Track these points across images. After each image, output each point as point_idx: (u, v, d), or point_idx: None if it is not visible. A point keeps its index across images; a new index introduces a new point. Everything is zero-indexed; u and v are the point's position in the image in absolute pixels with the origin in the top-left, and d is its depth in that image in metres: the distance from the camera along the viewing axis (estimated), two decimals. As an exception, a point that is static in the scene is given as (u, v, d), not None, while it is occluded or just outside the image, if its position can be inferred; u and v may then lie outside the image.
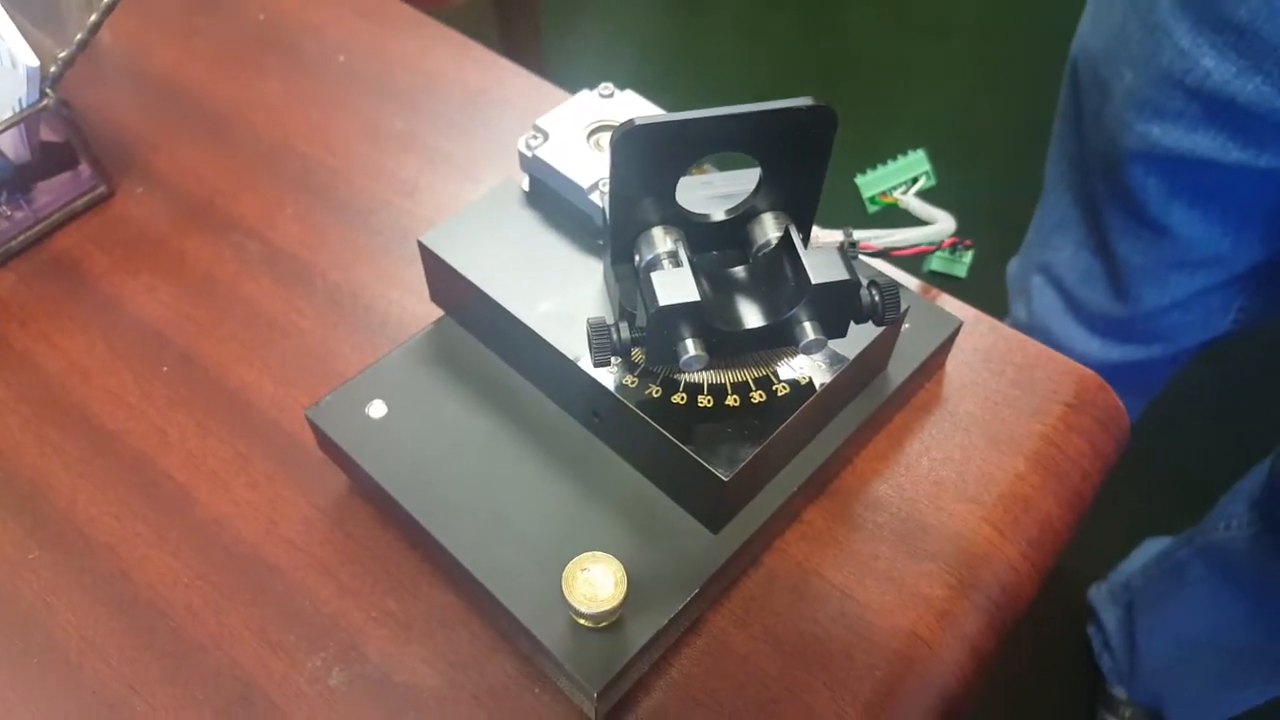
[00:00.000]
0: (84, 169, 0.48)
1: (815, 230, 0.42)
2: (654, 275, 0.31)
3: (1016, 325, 0.93)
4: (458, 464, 0.37)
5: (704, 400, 0.34)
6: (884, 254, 0.43)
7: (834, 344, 0.36)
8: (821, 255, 0.32)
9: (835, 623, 0.37)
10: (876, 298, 0.33)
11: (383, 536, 0.39)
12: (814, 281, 0.31)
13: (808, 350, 0.32)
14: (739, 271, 0.34)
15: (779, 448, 0.35)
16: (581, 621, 0.33)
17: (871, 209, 0.48)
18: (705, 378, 0.35)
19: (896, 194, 0.47)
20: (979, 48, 1.70)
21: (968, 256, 0.49)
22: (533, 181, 0.40)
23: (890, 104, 1.61)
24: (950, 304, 0.46)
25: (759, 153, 0.32)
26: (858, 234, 0.43)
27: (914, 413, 0.43)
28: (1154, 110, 0.62)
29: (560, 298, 0.37)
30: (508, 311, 0.36)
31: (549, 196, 0.40)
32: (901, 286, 0.43)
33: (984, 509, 0.40)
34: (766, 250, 0.34)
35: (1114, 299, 0.80)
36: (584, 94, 0.40)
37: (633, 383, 0.34)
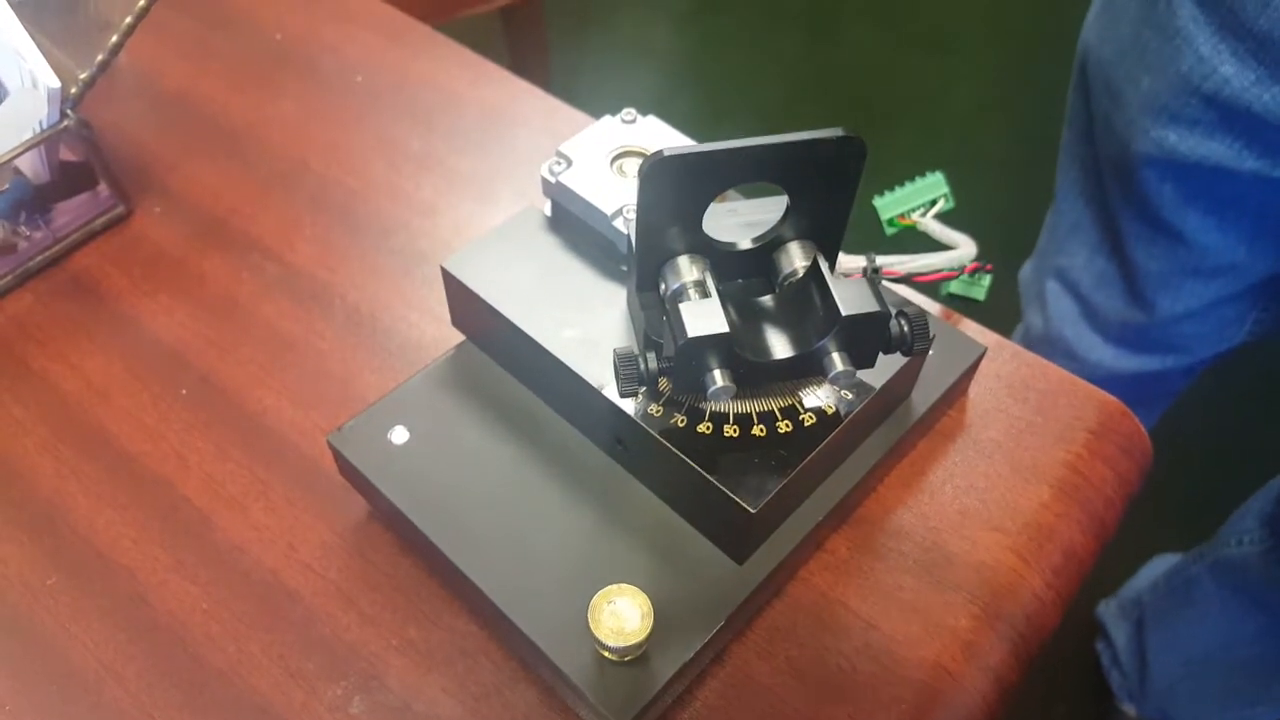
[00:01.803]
0: (102, 189, 0.48)
1: (839, 255, 0.42)
2: (682, 306, 0.31)
3: (1031, 333, 0.93)
4: (480, 491, 0.37)
5: (730, 430, 0.34)
6: (906, 279, 0.43)
7: (861, 375, 0.35)
8: (851, 286, 0.32)
9: (860, 654, 0.37)
10: (905, 328, 0.33)
11: (403, 563, 0.39)
12: (844, 313, 0.31)
13: (836, 381, 0.32)
14: (767, 301, 0.33)
15: (805, 478, 0.34)
16: (606, 655, 0.32)
17: (889, 231, 0.47)
18: (731, 407, 0.34)
19: (915, 216, 0.47)
20: (987, 61, 1.70)
21: (987, 280, 0.49)
22: (555, 207, 0.40)
23: (897, 120, 1.61)
24: (970, 329, 0.46)
25: (787, 182, 0.32)
26: (881, 259, 0.42)
27: (937, 440, 0.42)
28: (1170, 116, 0.62)
29: (584, 324, 0.37)
30: (531, 338, 0.36)
31: (572, 222, 0.39)
32: (928, 314, 0.43)
33: (1009, 538, 0.40)
34: (793, 279, 0.34)
35: (1130, 304, 0.79)
36: (606, 119, 0.40)
37: (658, 411, 0.34)
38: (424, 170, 0.52)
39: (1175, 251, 0.72)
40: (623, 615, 0.32)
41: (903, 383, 0.38)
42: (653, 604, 0.33)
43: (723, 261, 0.34)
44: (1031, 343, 0.93)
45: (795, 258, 0.34)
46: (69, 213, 0.47)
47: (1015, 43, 1.72)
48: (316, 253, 0.49)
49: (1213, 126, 0.61)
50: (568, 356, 0.36)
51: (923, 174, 0.48)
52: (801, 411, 0.34)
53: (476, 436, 0.38)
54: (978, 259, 0.46)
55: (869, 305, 0.31)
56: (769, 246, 0.34)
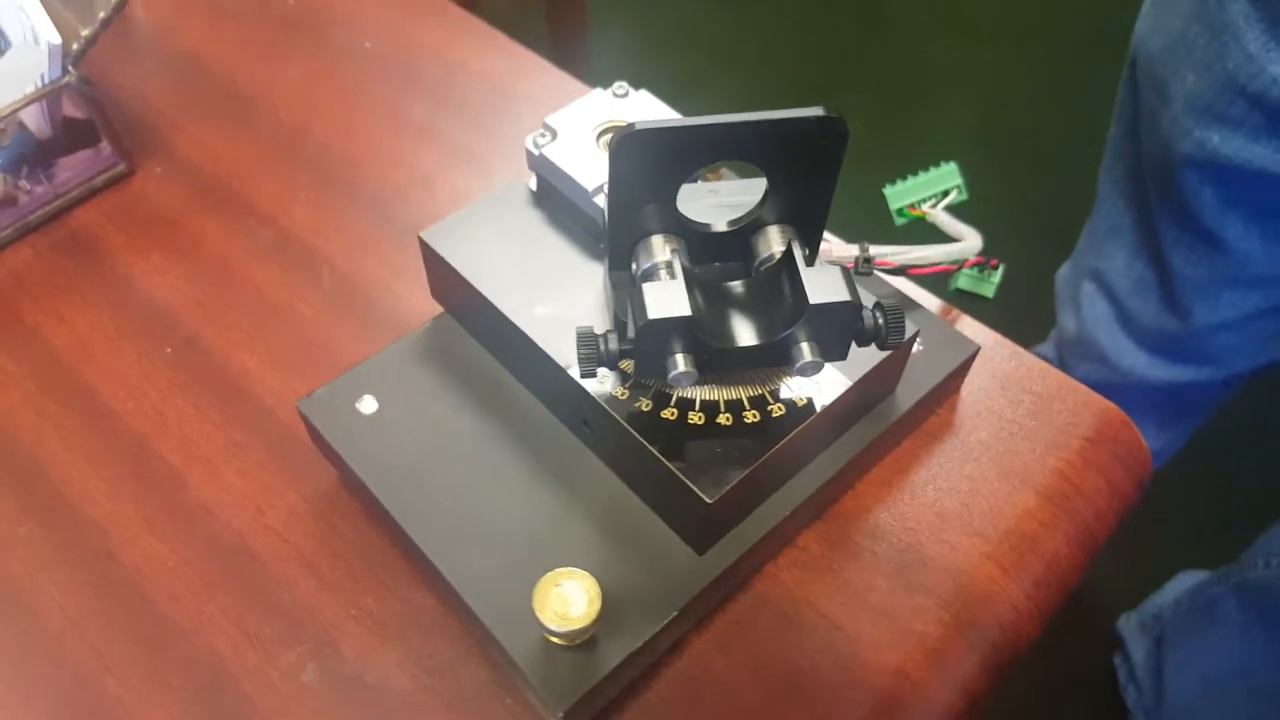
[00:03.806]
0: (105, 146, 0.48)
1: (832, 243, 0.41)
2: (645, 286, 0.30)
3: (1064, 336, 0.90)
4: (444, 465, 0.36)
5: (695, 417, 0.33)
6: (901, 271, 0.41)
7: (838, 367, 0.34)
8: (823, 274, 0.30)
9: (821, 654, 0.36)
10: (880, 321, 0.31)
11: (368, 533, 0.39)
12: (812, 301, 0.30)
13: (804, 372, 0.31)
14: (737, 286, 0.32)
15: (771, 471, 0.33)
16: (553, 639, 0.32)
17: (899, 221, 0.46)
18: (698, 393, 0.33)
19: (925, 207, 0.45)
20: (1037, 53, 1.65)
21: (996, 276, 0.47)
22: (540, 181, 0.39)
23: (940, 108, 1.57)
24: (971, 326, 0.45)
25: (765, 163, 0.31)
26: (875, 249, 0.41)
27: (923, 439, 0.41)
28: (1214, 116, 0.59)
29: (558, 302, 0.36)
30: (502, 314, 0.36)
31: (555, 197, 0.39)
32: (918, 308, 0.42)
33: (989, 544, 0.38)
34: (769, 265, 0.33)
35: (1166, 312, 0.77)
36: (597, 92, 0.39)
37: (623, 394, 0.33)
38: (425, 141, 0.52)
39: (1214, 259, 0.69)
40: (568, 599, 0.31)
41: (884, 377, 0.37)
42: (604, 589, 0.32)
43: (698, 243, 0.33)
44: (1064, 345, 0.91)
45: (773, 242, 0.33)
46: (71, 168, 0.48)
47: (1069, 34, 1.67)
48: (311, 219, 0.48)
49: (1258, 129, 0.58)
50: (537, 334, 0.35)
51: (936, 164, 0.46)
52: (771, 402, 0.33)
53: (445, 410, 0.37)
54: (982, 254, 0.44)
55: (839, 294, 0.30)
56: (747, 230, 0.33)
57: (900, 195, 0.46)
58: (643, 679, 0.35)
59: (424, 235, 0.38)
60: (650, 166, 0.30)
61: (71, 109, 0.47)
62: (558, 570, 0.32)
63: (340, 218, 0.49)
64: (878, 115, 1.55)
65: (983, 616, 0.37)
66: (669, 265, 0.32)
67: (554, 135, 0.38)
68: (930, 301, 0.46)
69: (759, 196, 0.33)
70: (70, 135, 0.47)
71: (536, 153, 0.37)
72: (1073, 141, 1.46)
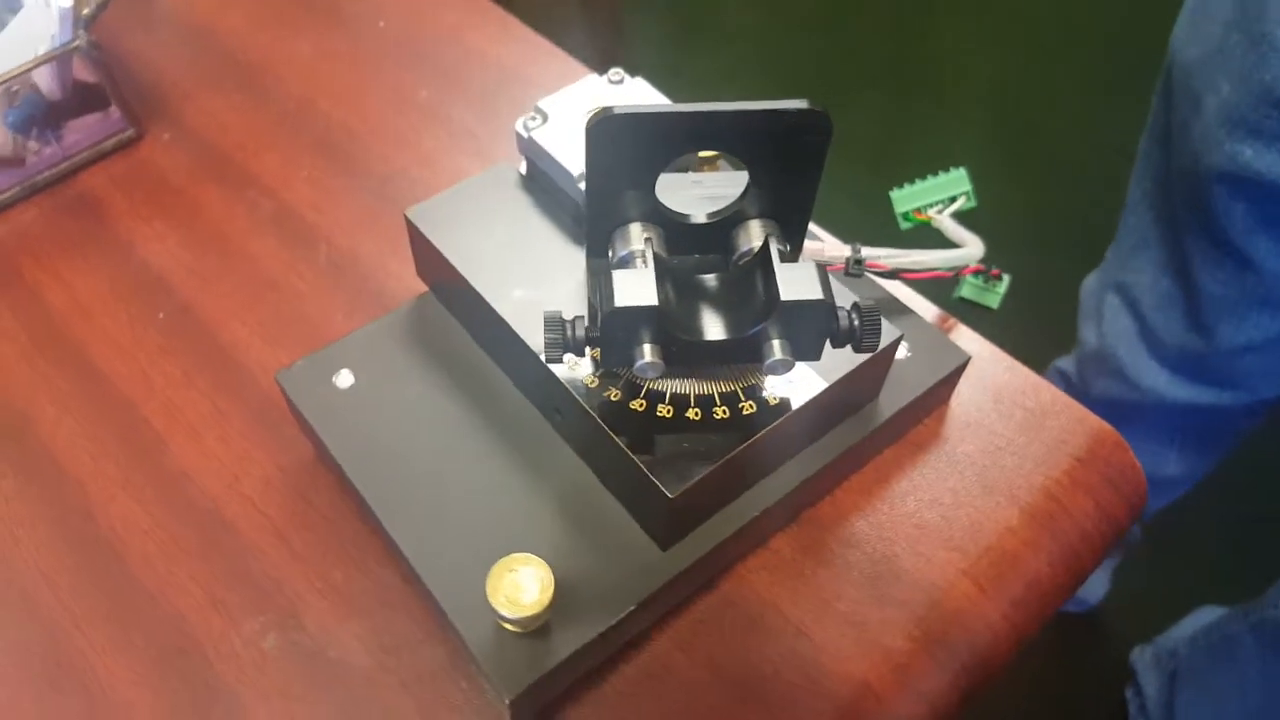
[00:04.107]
0: (114, 111, 0.49)
1: (825, 242, 0.40)
2: (615, 274, 0.30)
3: (1084, 350, 0.88)
4: (414, 443, 0.36)
5: (664, 409, 0.32)
6: (894, 275, 0.41)
7: (814, 368, 0.34)
8: (798, 270, 0.30)
9: (784, 660, 0.35)
10: (855, 322, 0.31)
11: (340, 508, 0.39)
12: (783, 298, 0.29)
13: (773, 370, 0.30)
14: (712, 280, 0.32)
15: (738, 469, 0.33)
16: (507, 625, 0.31)
17: (905, 225, 0.45)
18: (669, 386, 0.33)
19: (931, 212, 0.45)
20: (1074, 62, 1.62)
21: (1002, 287, 0.46)
22: (529, 165, 0.39)
23: (967, 114, 1.55)
24: (967, 336, 0.44)
25: (746, 155, 0.31)
26: (868, 251, 0.40)
27: (908, 448, 0.40)
28: (1248, 129, 0.58)
29: (538, 287, 0.36)
30: (479, 294, 0.35)
31: (543, 181, 0.38)
32: (908, 313, 0.41)
33: (966, 560, 0.37)
34: (747, 259, 0.32)
35: (1190, 330, 0.75)
36: (591, 78, 0.39)
37: (593, 382, 0.33)
38: (430, 121, 0.52)
39: (1242, 278, 0.67)
40: (521, 585, 0.31)
41: (864, 382, 0.36)
42: (563, 578, 0.32)
43: (678, 234, 0.33)
44: (1084, 359, 0.89)
45: (753, 236, 0.32)
46: (80, 131, 0.48)
47: (1101, 40, 1.64)
48: (311, 194, 0.49)
49: None
50: (513, 318, 0.35)
51: (946, 169, 0.45)
52: (742, 400, 0.33)
53: (420, 389, 0.37)
54: (983, 263, 0.43)
55: (811, 292, 0.29)
56: (728, 222, 0.33)
57: (907, 199, 0.45)
58: (601, 671, 0.35)
59: (409, 213, 0.38)
60: (628, 152, 0.30)
61: (83, 73, 0.48)
62: (513, 556, 0.31)
63: (341, 195, 0.49)
64: (898, 117, 1.53)
65: (955, 634, 0.36)
66: (644, 254, 0.31)
67: (544, 119, 0.37)
68: (927, 309, 0.45)
69: (741, 190, 0.32)
70: (80, 99, 0.47)
71: (526, 136, 0.37)
72: (1100, 152, 1.43)
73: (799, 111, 0.29)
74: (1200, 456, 0.90)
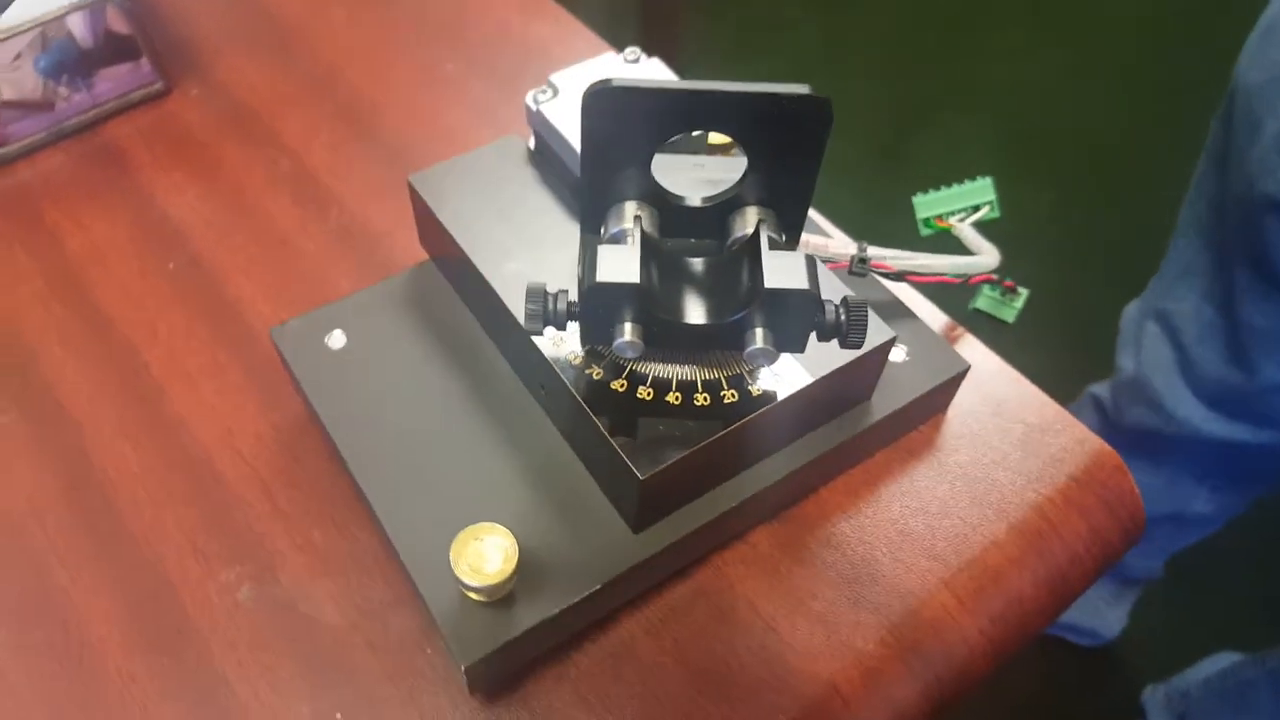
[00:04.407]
0: (144, 63, 0.49)
1: (832, 238, 0.40)
2: (600, 249, 0.29)
3: (1120, 378, 0.87)
4: (398, 408, 0.36)
5: (644, 392, 0.32)
6: (900, 277, 0.40)
7: (802, 362, 0.33)
8: (785, 259, 0.29)
9: (752, 654, 0.34)
10: (841, 316, 0.30)
11: (328, 468, 0.39)
12: (767, 285, 0.29)
13: (754, 360, 0.30)
14: (699, 263, 0.32)
15: (714, 457, 0.32)
16: (471, 595, 0.31)
17: (924, 231, 0.44)
18: (651, 369, 0.33)
19: (952, 220, 0.44)
20: (1137, 87, 1.59)
21: (1019, 301, 0.45)
22: (538, 139, 0.39)
23: (1024, 134, 1.52)
24: (975, 348, 0.43)
25: (744, 139, 0.30)
26: (875, 250, 0.40)
27: (899, 454, 0.39)
28: None
29: (533, 261, 0.36)
30: (473, 263, 0.35)
31: (550, 156, 0.38)
32: (910, 316, 0.40)
33: (948, 571, 0.37)
34: (738, 246, 0.32)
35: (1230, 363, 0.73)
36: (608, 56, 0.39)
37: (576, 359, 0.33)
38: (453, 96, 0.52)
39: None
40: (485, 555, 0.31)
41: (854, 381, 0.35)
42: (530, 552, 0.32)
43: (674, 215, 0.33)
44: (1119, 387, 0.87)
45: (749, 223, 0.32)
46: (110, 81, 0.49)
47: (1167, 64, 1.60)
48: (329, 159, 0.49)
49: None
50: (503, 289, 0.35)
51: (973, 177, 0.45)
52: (724, 388, 0.32)
53: (411, 355, 0.37)
54: (996, 274, 0.42)
55: (797, 282, 0.29)
56: (725, 207, 0.32)
57: (929, 205, 0.44)
58: (565, 648, 0.34)
59: (413, 178, 0.38)
60: (623, 127, 0.30)
61: (116, 23, 0.48)
62: (480, 524, 0.31)
63: (357, 161, 0.49)
64: (933, 120, 1.51)
65: (929, 644, 0.35)
66: (633, 232, 0.31)
67: (555, 93, 0.37)
68: (935, 316, 0.44)
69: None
70: (112, 48, 0.48)
71: (535, 109, 0.37)
72: (1146, 175, 1.40)
73: (798, 97, 0.29)
74: (1231, 495, 0.88)
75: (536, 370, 0.35)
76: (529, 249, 0.36)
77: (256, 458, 0.40)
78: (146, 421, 0.41)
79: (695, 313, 0.30)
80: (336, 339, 0.38)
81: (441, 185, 0.38)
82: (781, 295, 0.29)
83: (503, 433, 0.36)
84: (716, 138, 0.38)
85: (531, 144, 0.39)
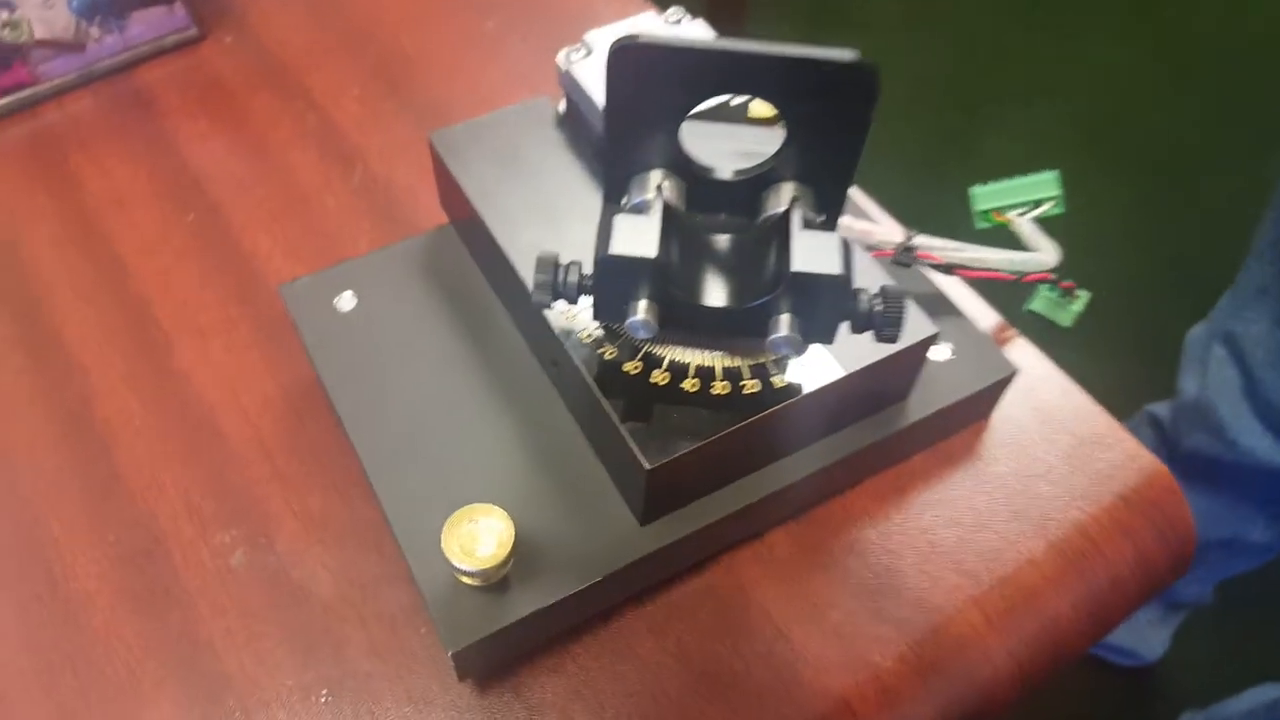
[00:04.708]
0: (179, 8, 0.48)
1: (880, 224, 0.37)
2: (617, 219, 0.27)
3: (1182, 400, 0.83)
4: (404, 376, 0.34)
5: (659, 376, 0.30)
6: (949, 270, 0.37)
7: (834, 354, 0.31)
8: (817, 241, 0.27)
9: (759, 661, 0.32)
10: (876, 307, 0.28)
11: (332, 434, 0.37)
12: (794, 269, 0.26)
13: (776, 349, 0.28)
14: (725, 241, 0.29)
15: (729, 450, 0.30)
16: (464, 579, 0.30)
17: (980, 225, 0.41)
18: (669, 352, 0.30)
19: (1012, 214, 0.41)
20: (1209, 72, 1.51)
21: (1078, 305, 0.42)
22: (568, 102, 0.37)
23: (1061, 112, 1.45)
24: (1026, 351, 0.40)
25: (783, 107, 0.28)
26: (923, 240, 0.37)
27: (936, 459, 0.37)
28: None
29: (553, 230, 0.34)
30: (488, 230, 0.33)
31: (579, 120, 0.36)
32: (955, 314, 0.37)
33: (978, 588, 0.34)
34: (769, 224, 0.29)
35: None
36: (648, 15, 0.36)
37: (588, 337, 0.31)
38: (491, 58, 0.50)
39: None
40: (478, 537, 0.29)
41: (889, 378, 0.33)
42: (528, 538, 0.30)
43: (704, 189, 0.30)
44: (1180, 410, 0.83)
45: (783, 200, 0.29)
46: (143, 24, 0.48)
47: (1260, 86, 1.52)
48: (358, 114, 0.47)
49: None
50: (518, 258, 0.33)
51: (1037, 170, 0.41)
52: (745, 378, 0.30)
53: (422, 322, 0.36)
54: (1054, 274, 0.39)
55: (828, 266, 0.26)
56: (758, 182, 0.30)
57: (988, 197, 0.41)
58: (563, 639, 0.33)
59: (433, 136, 0.36)
60: (649, 88, 0.27)
61: (153, -35, 0.47)
62: (475, 505, 0.29)
63: (387, 119, 0.47)
64: (1004, 110, 1.45)
65: (952, 664, 0.33)
66: (655, 204, 0.29)
67: (588, 51, 0.35)
68: (986, 315, 0.41)
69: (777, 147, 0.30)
70: (148, -10, 0.47)
71: (565, 69, 0.35)
72: (1230, 189, 1.33)
73: (843, 65, 0.26)
74: None
75: (547, 346, 0.33)
76: (549, 217, 0.34)
77: (260, 418, 0.38)
78: (152, 374, 0.40)
79: (715, 294, 0.28)
80: (346, 300, 0.36)
81: (463, 145, 0.36)
82: (810, 280, 0.26)
83: (510, 410, 0.34)
84: (760, 108, 0.35)
85: (562, 107, 0.37)
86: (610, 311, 0.28)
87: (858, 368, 0.31)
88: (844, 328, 0.29)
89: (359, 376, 0.34)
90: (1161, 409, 0.88)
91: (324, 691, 0.32)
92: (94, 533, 0.36)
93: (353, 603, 0.34)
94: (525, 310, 0.34)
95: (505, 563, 0.29)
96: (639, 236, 0.27)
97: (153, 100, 0.48)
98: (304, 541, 0.35)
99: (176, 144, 0.47)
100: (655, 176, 0.29)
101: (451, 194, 0.36)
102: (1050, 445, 0.37)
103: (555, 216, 0.34)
